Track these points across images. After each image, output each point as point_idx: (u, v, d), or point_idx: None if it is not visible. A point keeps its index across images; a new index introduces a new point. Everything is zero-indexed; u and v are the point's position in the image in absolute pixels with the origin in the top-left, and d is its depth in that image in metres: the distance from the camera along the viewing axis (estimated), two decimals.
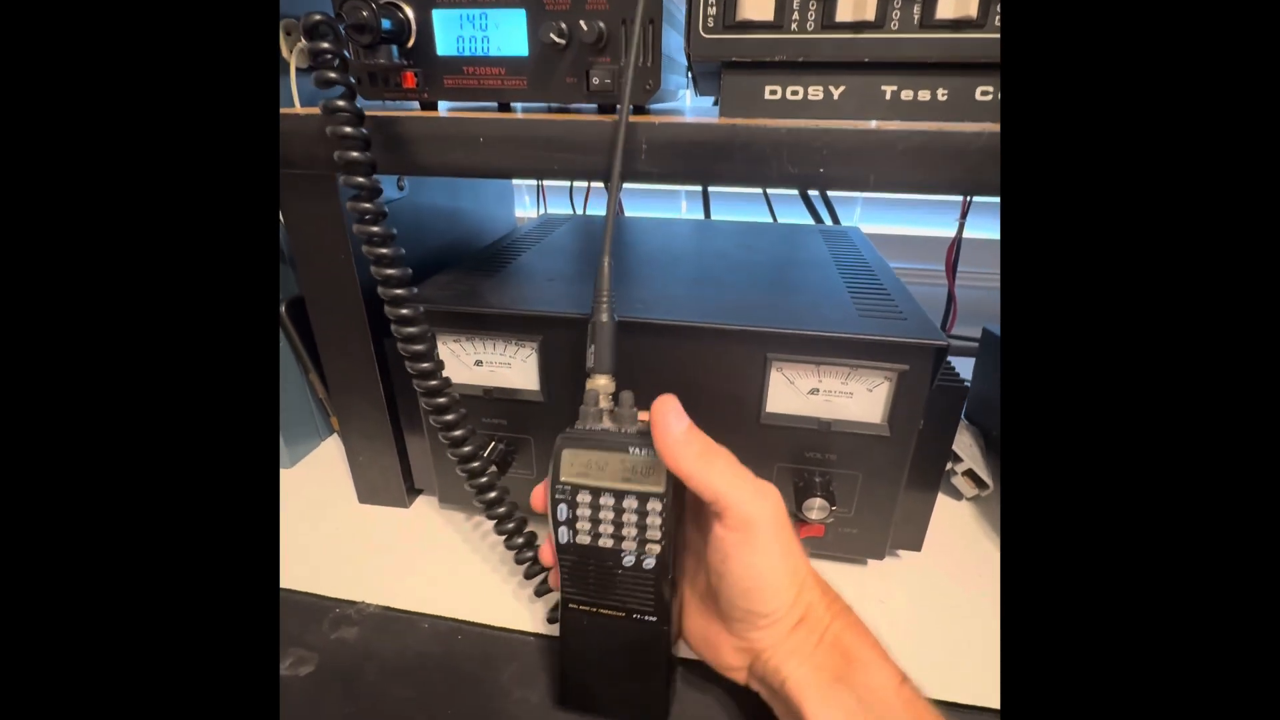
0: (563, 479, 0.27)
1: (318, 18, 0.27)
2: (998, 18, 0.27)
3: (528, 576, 0.34)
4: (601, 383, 0.29)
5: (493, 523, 0.33)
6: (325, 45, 0.27)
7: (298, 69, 0.44)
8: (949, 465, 0.44)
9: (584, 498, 0.27)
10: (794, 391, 0.34)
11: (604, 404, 0.28)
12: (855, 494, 0.35)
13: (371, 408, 0.40)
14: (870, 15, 0.28)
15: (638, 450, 0.26)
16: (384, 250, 0.28)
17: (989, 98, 0.29)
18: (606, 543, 0.27)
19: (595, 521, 0.27)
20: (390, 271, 0.28)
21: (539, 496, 0.29)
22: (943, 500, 0.44)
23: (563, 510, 0.27)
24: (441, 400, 0.31)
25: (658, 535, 0.27)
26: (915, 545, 0.38)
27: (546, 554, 0.29)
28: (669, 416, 0.25)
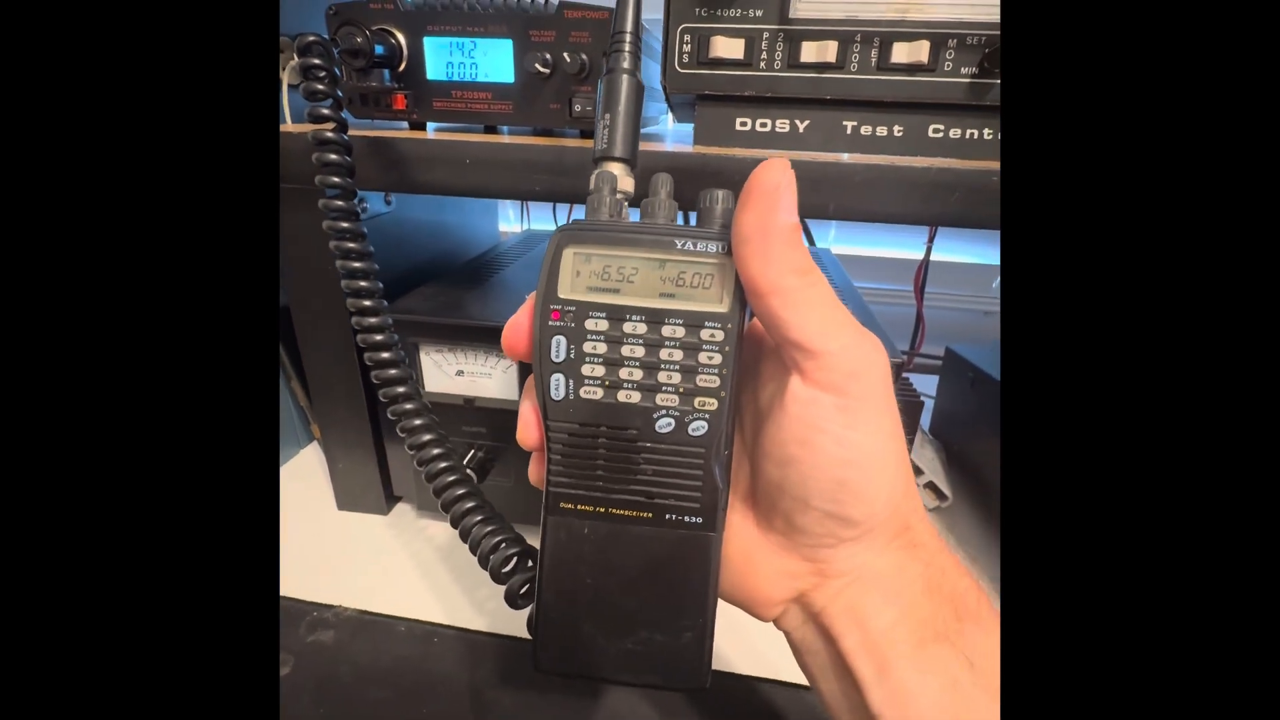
0: (563, 295, 0.18)
1: (311, 38, 0.29)
2: (948, 63, 0.30)
3: (496, 575, 0.24)
4: (616, 170, 0.20)
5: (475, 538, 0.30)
6: (316, 61, 0.28)
7: (289, 85, 0.46)
8: None
9: (597, 324, 0.18)
10: None
11: (624, 187, 0.19)
12: None
13: (353, 416, 0.41)
14: (832, 57, 0.30)
15: (690, 245, 0.17)
16: (357, 264, 0.27)
17: (940, 134, 0.31)
18: (630, 396, 0.18)
19: (615, 363, 0.18)
20: (362, 284, 0.27)
21: (518, 332, 0.19)
22: None
23: (560, 346, 0.18)
24: (418, 422, 0.27)
25: (715, 382, 0.18)
26: None
27: (530, 429, 0.19)
28: (779, 194, 0.16)
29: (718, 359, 0.18)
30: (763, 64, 0.31)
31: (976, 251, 0.78)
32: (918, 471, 0.46)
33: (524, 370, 0.37)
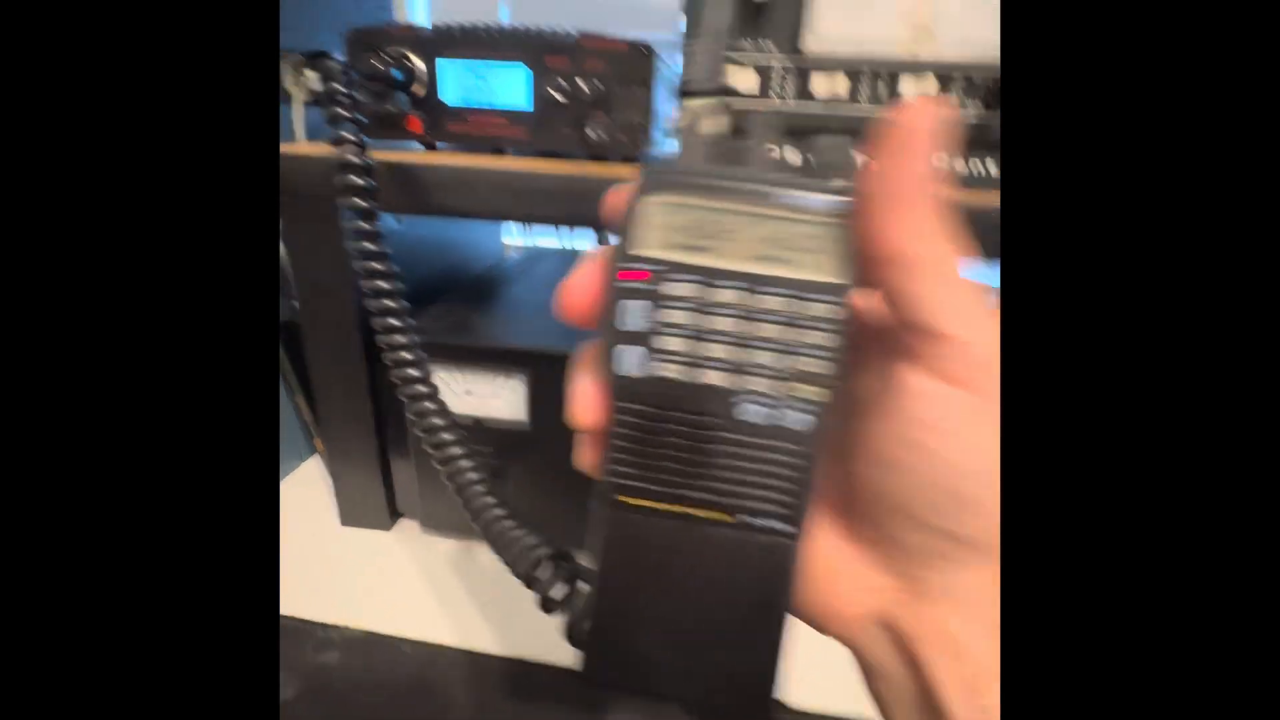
0: (643, 252, 0.15)
1: (333, 63, 0.29)
2: (954, 98, 0.31)
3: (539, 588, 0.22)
4: (702, 106, 0.17)
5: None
6: (339, 86, 0.28)
7: (305, 103, 0.46)
8: None
9: (680, 289, 0.15)
10: None
11: (712, 127, 0.17)
12: None
13: (360, 432, 0.41)
14: (842, 91, 0.31)
15: (800, 199, 0.15)
16: (383, 284, 0.27)
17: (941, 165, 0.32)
18: (715, 378, 0.15)
19: (699, 336, 0.15)
20: (388, 303, 0.27)
21: (583, 292, 0.16)
22: None
23: (634, 313, 0.15)
24: (437, 421, 0.26)
25: (821, 367, 0.15)
26: None
27: (590, 407, 0.16)
28: (924, 141, 0.14)
29: (826, 339, 0.15)
30: (774, 94, 0.32)
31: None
32: None
33: (532, 396, 0.37)
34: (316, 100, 0.47)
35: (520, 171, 0.32)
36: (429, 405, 0.26)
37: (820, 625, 0.18)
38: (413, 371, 0.26)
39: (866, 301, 0.16)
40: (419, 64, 0.35)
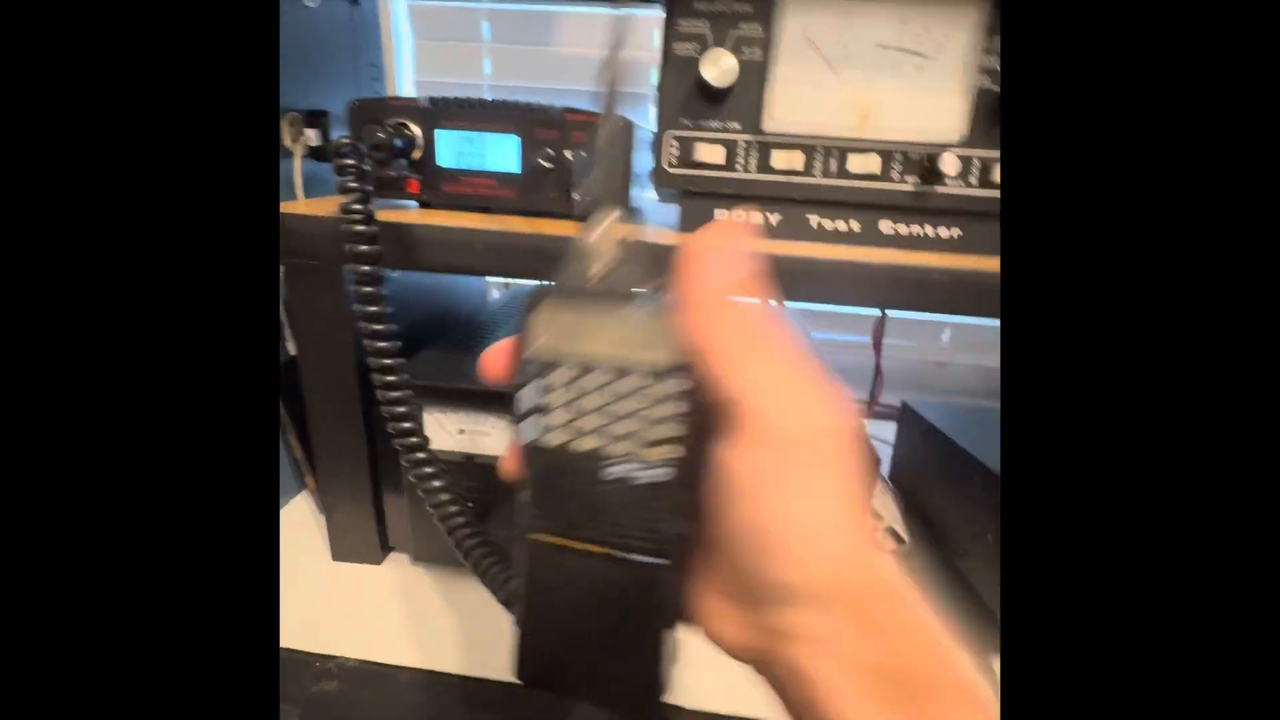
0: (532, 347, 0.20)
1: (345, 139, 0.32)
2: (895, 173, 0.35)
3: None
4: (601, 227, 0.20)
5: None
6: (349, 162, 0.31)
7: (302, 157, 0.49)
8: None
9: (560, 375, 0.20)
10: None
11: (604, 248, 0.20)
12: None
13: (355, 471, 0.43)
14: (799, 165, 0.35)
15: (646, 303, 0.19)
16: (382, 344, 0.31)
17: (890, 231, 0.37)
18: (590, 443, 0.20)
19: (577, 412, 0.20)
20: (386, 361, 0.31)
21: (495, 360, 0.21)
22: None
23: (528, 395, 0.20)
24: (428, 470, 0.31)
25: (666, 432, 0.19)
26: None
27: (508, 462, 0.21)
28: (706, 256, 0.18)
29: (667, 409, 0.19)
30: (739, 167, 0.36)
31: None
32: (877, 517, 0.50)
33: None
34: (315, 155, 0.50)
35: (515, 232, 0.35)
36: (420, 455, 0.29)
37: (724, 652, 0.21)
38: (406, 424, 0.29)
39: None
40: (417, 131, 0.38)
